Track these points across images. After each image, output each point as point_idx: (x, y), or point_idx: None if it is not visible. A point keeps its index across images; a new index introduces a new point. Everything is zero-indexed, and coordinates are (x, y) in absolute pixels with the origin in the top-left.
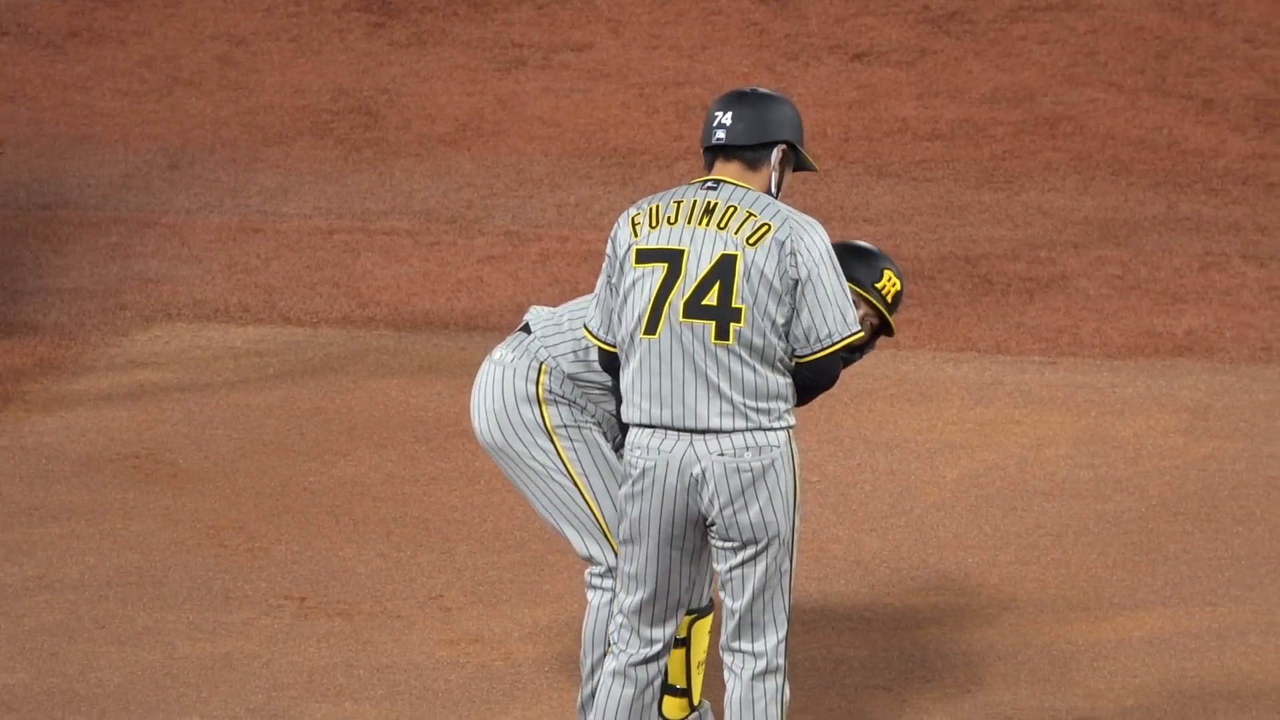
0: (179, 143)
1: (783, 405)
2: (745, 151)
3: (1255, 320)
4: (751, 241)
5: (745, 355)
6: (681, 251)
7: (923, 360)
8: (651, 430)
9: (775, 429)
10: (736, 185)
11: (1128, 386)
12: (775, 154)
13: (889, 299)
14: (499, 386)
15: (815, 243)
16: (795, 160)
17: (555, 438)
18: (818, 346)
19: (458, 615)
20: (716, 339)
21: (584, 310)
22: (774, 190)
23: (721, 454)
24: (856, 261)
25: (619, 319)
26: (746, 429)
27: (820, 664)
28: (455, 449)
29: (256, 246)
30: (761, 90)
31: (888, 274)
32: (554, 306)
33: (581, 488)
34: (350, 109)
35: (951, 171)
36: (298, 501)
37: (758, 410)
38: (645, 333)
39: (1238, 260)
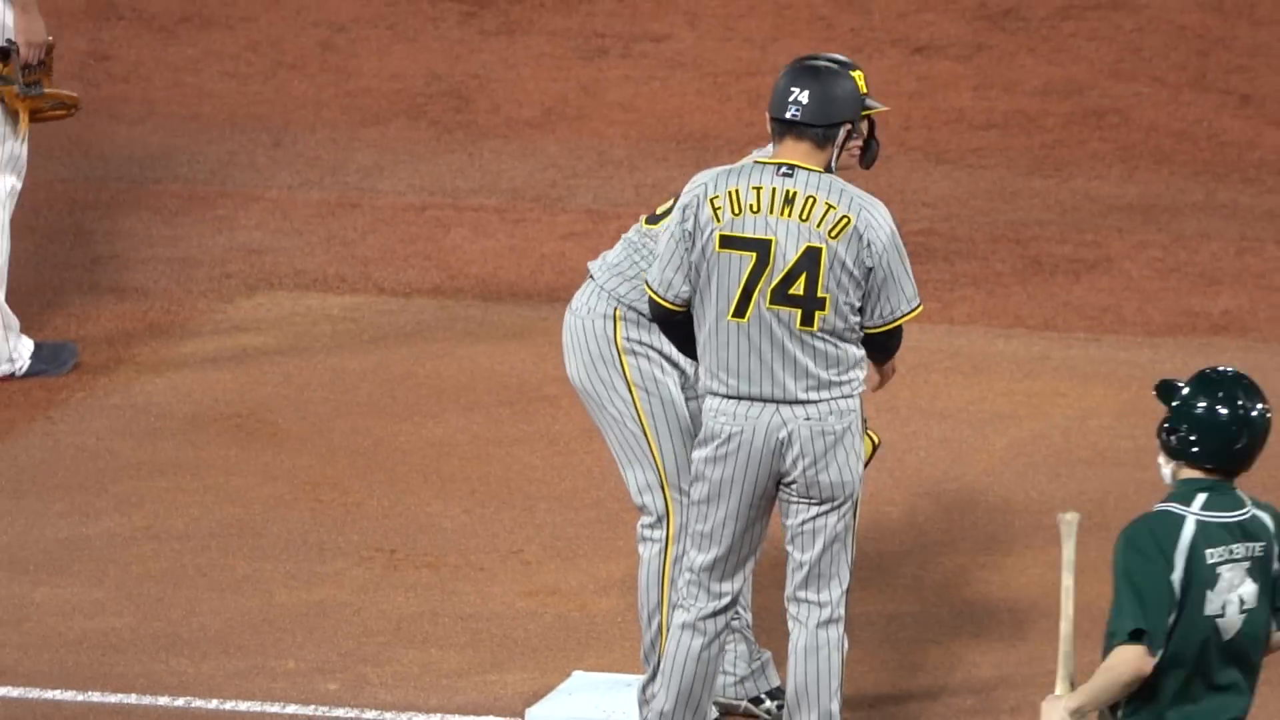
0: (282, 123)
1: (859, 373)
2: (816, 129)
3: None
4: (834, 235)
5: (828, 337)
6: (769, 241)
7: (975, 335)
8: (738, 400)
9: (852, 396)
10: (810, 170)
11: (1167, 363)
12: (840, 133)
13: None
14: (582, 334)
15: (883, 229)
16: (856, 129)
17: (633, 389)
18: (882, 322)
19: (536, 569)
20: (802, 325)
21: (641, 259)
22: (833, 165)
23: (808, 419)
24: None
25: (701, 296)
26: (830, 398)
27: (875, 619)
28: (537, 413)
29: (353, 221)
30: (832, 65)
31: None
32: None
33: (650, 439)
34: (442, 93)
35: (1004, 159)
36: (389, 460)
37: (837, 382)
38: (734, 316)
39: (1271, 245)
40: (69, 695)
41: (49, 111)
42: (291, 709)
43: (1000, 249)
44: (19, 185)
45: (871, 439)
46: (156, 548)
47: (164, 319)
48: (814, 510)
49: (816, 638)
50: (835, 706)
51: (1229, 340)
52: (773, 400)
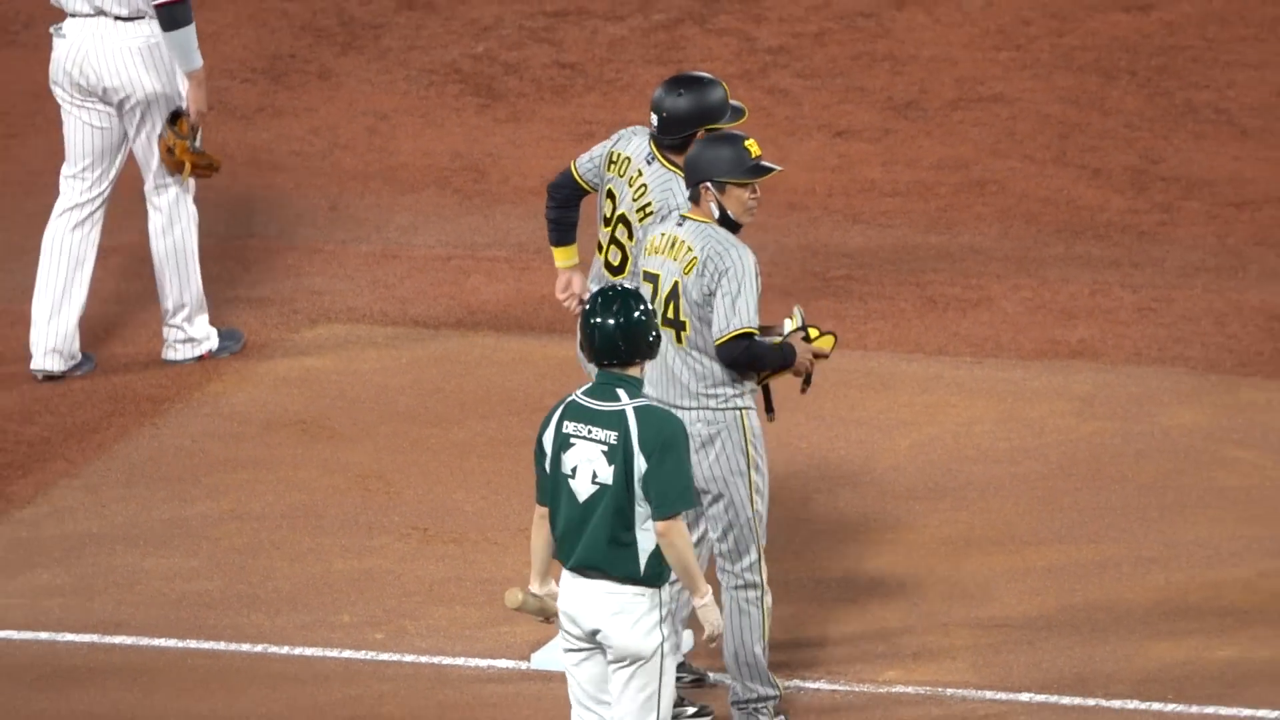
0: (337, 191)
1: (729, 390)
2: (690, 194)
3: (1129, 333)
4: (687, 271)
5: (696, 354)
6: (657, 275)
7: (883, 359)
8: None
9: (722, 409)
10: (697, 222)
11: (1035, 380)
12: (702, 191)
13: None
14: None
15: (724, 263)
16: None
17: None
18: (718, 334)
19: None
20: (677, 343)
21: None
22: (715, 215)
23: (689, 423)
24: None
25: None
26: (698, 408)
27: (804, 583)
28: (539, 420)
29: (393, 269)
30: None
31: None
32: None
33: None
34: (464, 167)
35: (907, 220)
36: (422, 457)
37: (706, 394)
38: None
39: (1117, 288)
40: (171, 643)
41: (202, 169)
42: (346, 654)
43: (904, 290)
44: (190, 190)
45: (828, 335)
46: (239, 526)
47: (245, 345)
48: (708, 500)
49: (736, 599)
50: (759, 650)
51: (1084, 363)
52: (666, 403)
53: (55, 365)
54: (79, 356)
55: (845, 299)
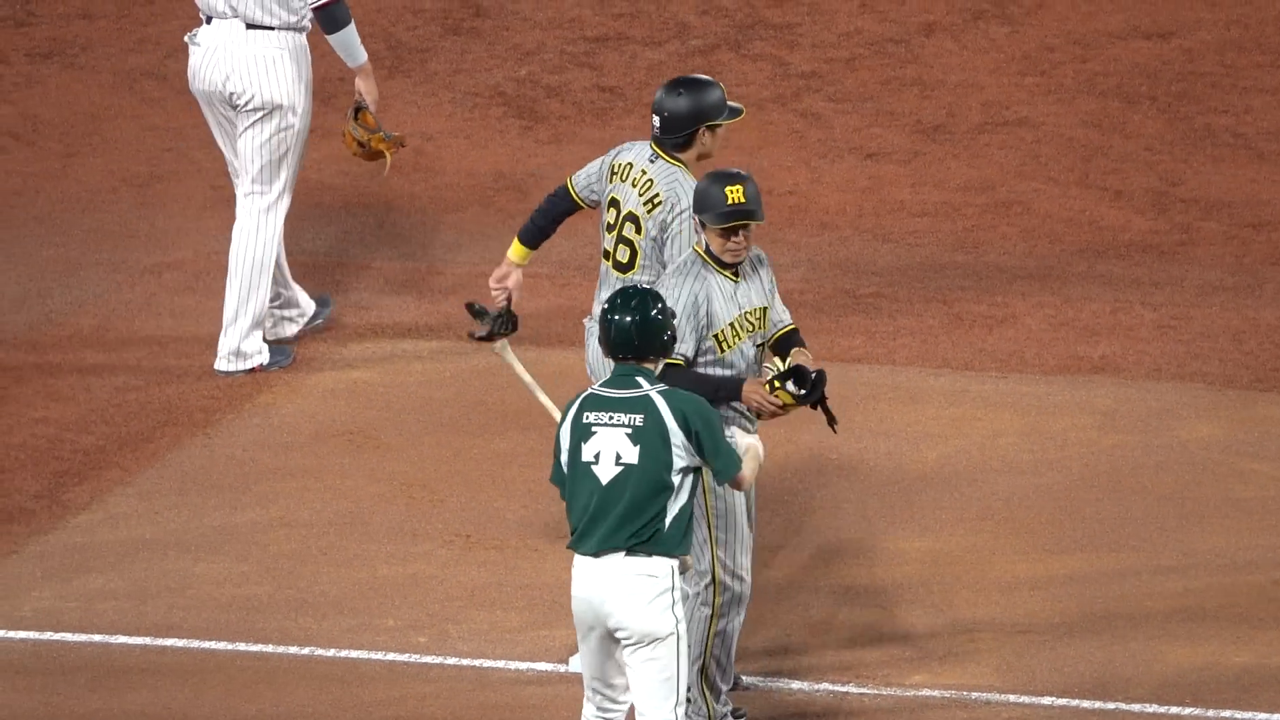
0: (384, 210)
1: None
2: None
3: (1149, 349)
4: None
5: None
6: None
7: (911, 374)
8: None
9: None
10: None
11: (1058, 395)
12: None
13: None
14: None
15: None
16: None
17: None
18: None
19: None
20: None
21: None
22: (704, 247)
23: None
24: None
25: None
26: None
27: (835, 591)
28: None
29: (438, 284)
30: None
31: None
32: None
33: None
34: (506, 187)
35: (935, 239)
36: (465, 466)
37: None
38: None
39: (1138, 306)
40: (221, 645)
41: (395, 150)
42: (390, 656)
43: (931, 307)
44: (287, 201)
45: (790, 398)
46: (288, 533)
47: (294, 360)
48: None
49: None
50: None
51: (1105, 378)
52: None
53: (232, 366)
54: (267, 356)
55: (875, 316)
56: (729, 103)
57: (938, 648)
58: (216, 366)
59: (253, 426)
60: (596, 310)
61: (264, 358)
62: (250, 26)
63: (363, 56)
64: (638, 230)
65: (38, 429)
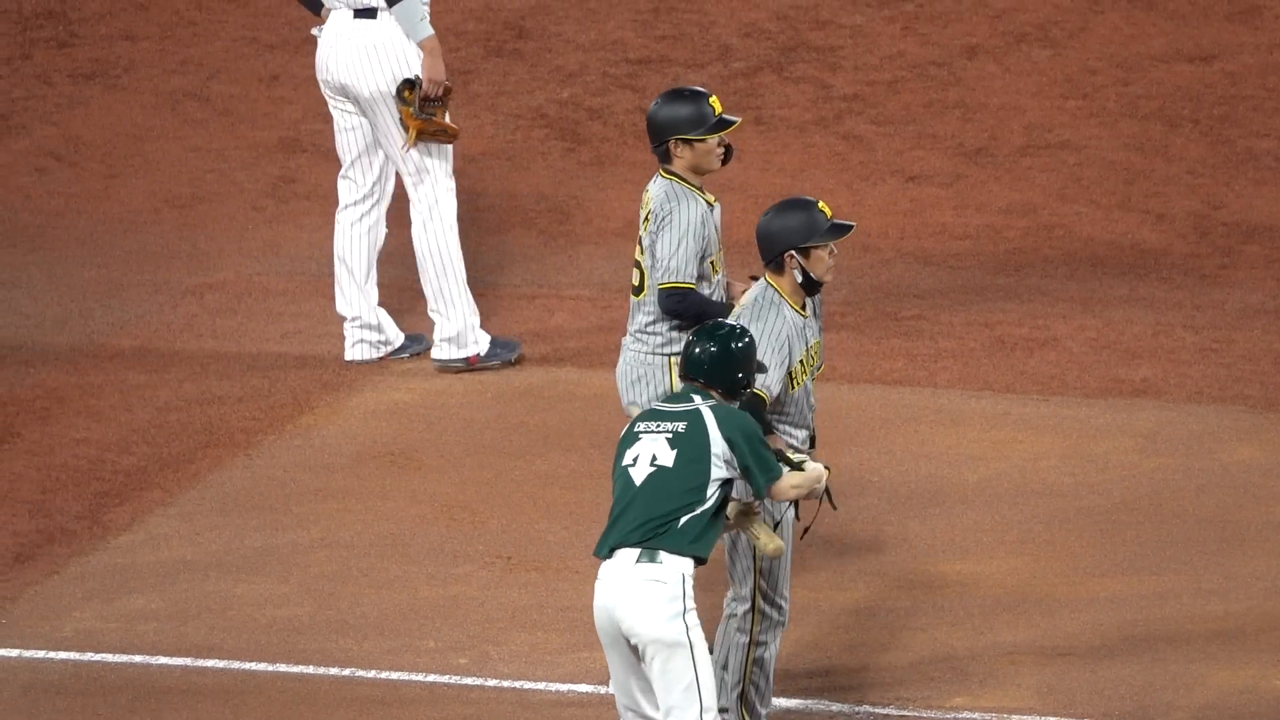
0: None
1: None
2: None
3: (1191, 372)
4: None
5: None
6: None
7: (953, 396)
8: None
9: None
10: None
11: (1099, 418)
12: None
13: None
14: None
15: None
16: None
17: None
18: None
19: None
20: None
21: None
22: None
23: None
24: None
25: None
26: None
27: (875, 612)
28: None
29: (481, 305)
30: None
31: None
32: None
33: None
34: (549, 209)
35: (977, 262)
36: (506, 488)
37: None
38: None
39: (1180, 329)
40: (262, 666)
41: (433, 134)
42: (431, 678)
43: (973, 330)
44: (450, 185)
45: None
46: (329, 554)
47: (335, 379)
48: None
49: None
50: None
51: (1146, 401)
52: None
53: (365, 355)
54: (396, 342)
55: (916, 338)
56: (722, 116)
57: (978, 670)
58: (433, 355)
59: (294, 447)
60: (630, 329)
61: (482, 347)
62: (358, 15)
63: (426, 31)
64: (642, 252)
65: (79, 449)
